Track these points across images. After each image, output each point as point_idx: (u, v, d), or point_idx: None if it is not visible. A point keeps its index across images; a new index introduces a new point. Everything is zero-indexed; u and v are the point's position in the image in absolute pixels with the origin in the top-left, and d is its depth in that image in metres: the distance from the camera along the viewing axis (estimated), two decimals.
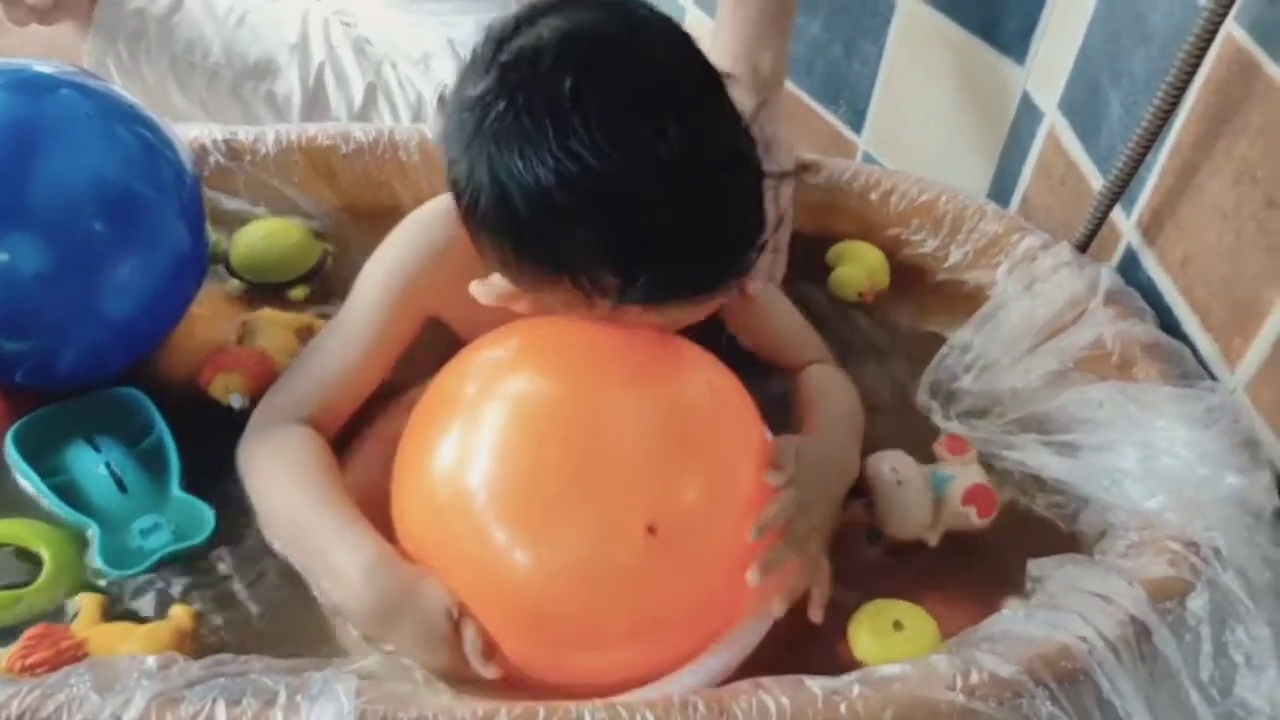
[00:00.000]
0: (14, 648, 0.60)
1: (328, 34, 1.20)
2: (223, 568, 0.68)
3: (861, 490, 0.73)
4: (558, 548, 0.61)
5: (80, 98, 0.73)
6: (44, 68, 0.74)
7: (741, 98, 0.68)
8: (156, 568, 0.67)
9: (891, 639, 0.65)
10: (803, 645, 0.66)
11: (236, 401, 0.77)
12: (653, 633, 0.63)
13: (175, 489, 0.71)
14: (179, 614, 0.64)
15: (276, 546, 0.69)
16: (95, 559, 0.67)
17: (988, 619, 0.63)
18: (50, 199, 0.69)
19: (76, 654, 0.60)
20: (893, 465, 0.73)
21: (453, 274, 0.72)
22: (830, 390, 0.80)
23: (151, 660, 0.57)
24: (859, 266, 0.93)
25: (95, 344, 0.73)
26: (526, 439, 0.63)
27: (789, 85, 1.39)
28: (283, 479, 0.70)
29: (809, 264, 0.92)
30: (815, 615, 0.66)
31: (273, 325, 0.83)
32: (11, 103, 0.70)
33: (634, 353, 0.66)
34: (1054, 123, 1.00)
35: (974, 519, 0.71)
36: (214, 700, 0.54)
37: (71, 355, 0.73)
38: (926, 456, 0.75)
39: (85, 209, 0.70)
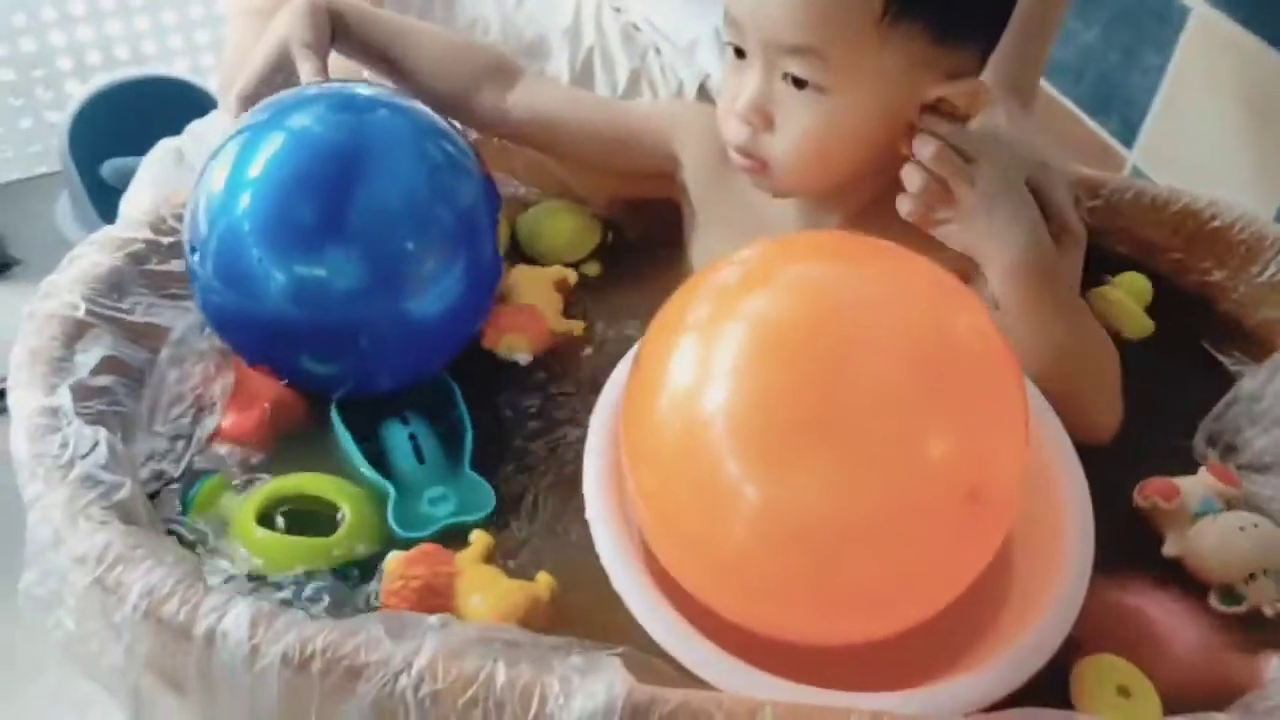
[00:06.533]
0: (404, 555, 0.66)
1: (599, 19, 1.23)
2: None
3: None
4: (788, 491, 0.53)
5: (395, 118, 0.75)
6: (363, 89, 0.77)
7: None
8: (439, 535, 0.70)
9: (1114, 704, 0.60)
10: None
11: (523, 359, 0.82)
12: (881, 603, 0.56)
13: (466, 468, 0.74)
14: (542, 581, 0.66)
15: None
16: (389, 518, 0.71)
17: (1270, 684, 0.60)
18: (371, 218, 0.71)
19: (448, 580, 0.65)
20: (1233, 527, 0.69)
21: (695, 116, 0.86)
22: None
23: (434, 619, 0.60)
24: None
25: (408, 356, 0.76)
26: (763, 364, 0.54)
27: (1054, 94, 1.35)
28: None
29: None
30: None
31: (530, 281, 0.86)
32: (340, 124, 0.73)
33: (886, 273, 0.58)
34: None
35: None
36: (495, 660, 0.57)
37: (388, 371, 0.76)
38: None
39: (400, 227, 0.72)
